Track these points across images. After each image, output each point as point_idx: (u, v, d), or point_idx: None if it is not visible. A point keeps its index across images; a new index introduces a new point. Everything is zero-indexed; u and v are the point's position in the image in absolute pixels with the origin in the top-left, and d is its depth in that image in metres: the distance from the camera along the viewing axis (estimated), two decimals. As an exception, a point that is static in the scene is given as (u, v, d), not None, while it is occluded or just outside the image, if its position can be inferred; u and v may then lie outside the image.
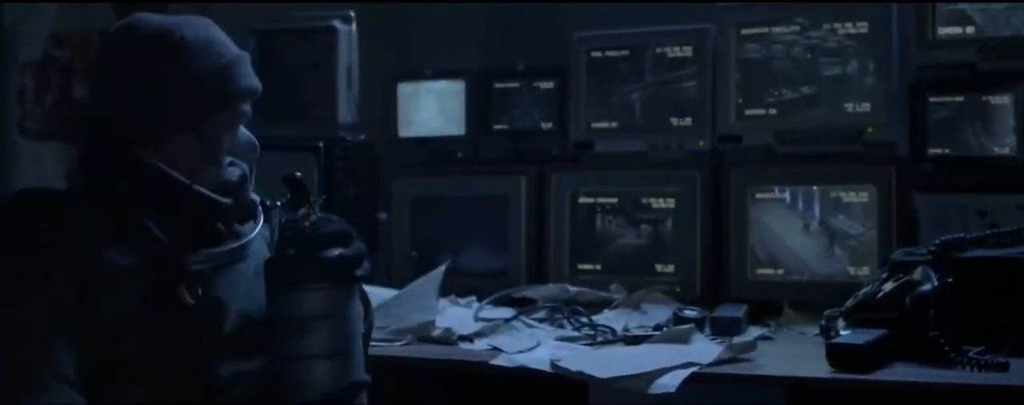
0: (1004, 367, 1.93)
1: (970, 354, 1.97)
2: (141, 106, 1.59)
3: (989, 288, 2.09)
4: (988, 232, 2.21)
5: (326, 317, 1.58)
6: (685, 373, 1.98)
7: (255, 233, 1.68)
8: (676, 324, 2.33)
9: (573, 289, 2.69)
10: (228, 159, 1.66)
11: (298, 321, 1.57)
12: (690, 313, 2.39)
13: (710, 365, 2.03)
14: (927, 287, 2.05)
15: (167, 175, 1.59)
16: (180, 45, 1.59)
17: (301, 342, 1.57)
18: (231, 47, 1.65)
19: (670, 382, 1.94)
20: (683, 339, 2.18)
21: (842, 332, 2.10)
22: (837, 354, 1.96)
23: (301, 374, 1.56)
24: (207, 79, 1.59)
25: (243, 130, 1.69)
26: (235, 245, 1.65)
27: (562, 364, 2.04)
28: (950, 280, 2.06)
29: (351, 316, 1.62)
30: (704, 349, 2.13)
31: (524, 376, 2.09)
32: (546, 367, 2.06)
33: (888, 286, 2.13)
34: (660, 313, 2.53)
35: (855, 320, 2.12)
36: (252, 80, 1.66)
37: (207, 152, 1.63)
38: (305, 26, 3.10)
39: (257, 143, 1.69)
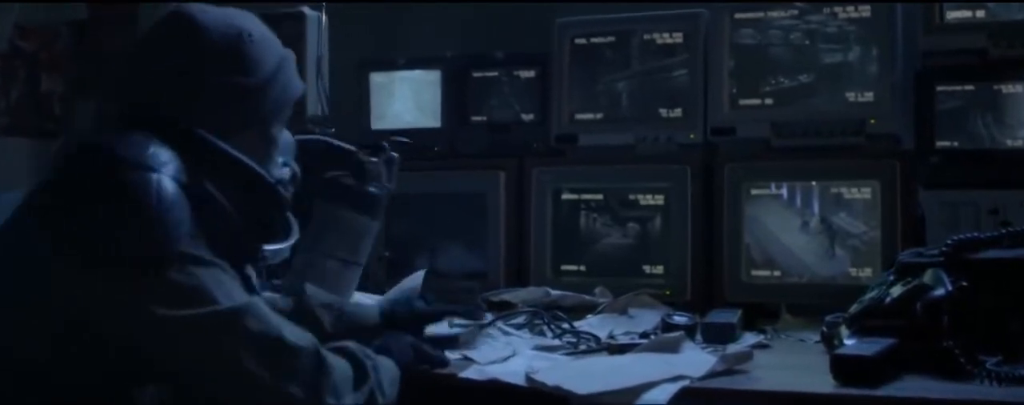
0: None
1: (988, 365, 1.84)
2: (214, 104, 1.61)
3: (1006, 293, 1.97)
4: (1003, 231, 2.09)
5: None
6: (674, 387, 1.83)
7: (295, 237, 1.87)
8: (664, 331, 2.21)
9: (555, 293, 2.59)
10: (282, 159, 1.76)
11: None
12: (680, 319, 2.27)
13: (702, 378, 1.88)
14: (940, 292, 1.92)
15: (248, 167, 1.61)
16: (249, 43, 1.62)
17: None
18: (279, 43, 1.71)
19: (658, 398, 1.80)
20: (672, 348, 2.04)
21: (846, 341, 1.99)
22: (842, 366, 1.82)
23: None
24: (273, 78, 1.64)
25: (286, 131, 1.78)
26: (291, 241, 1.85)
27: (538, 377, 1.89)
28: (965, 284, 1.93)
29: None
30: (695, 360, 1.99)
31: (500, 389, 1.94)
32: (521, 381, 1.90)
33: (896, 290, 2.00)
34: (648, 319, 2.42)
35: (860, 327, 2.00)
36: (298, 78, 1.74)
37: (267, 150, 1.69)
38: (271, 12, 2.94)
39: (295, 143, 1.81)
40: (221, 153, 1.59)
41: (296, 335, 1.54)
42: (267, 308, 1.54)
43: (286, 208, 1.72)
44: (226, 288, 1.50)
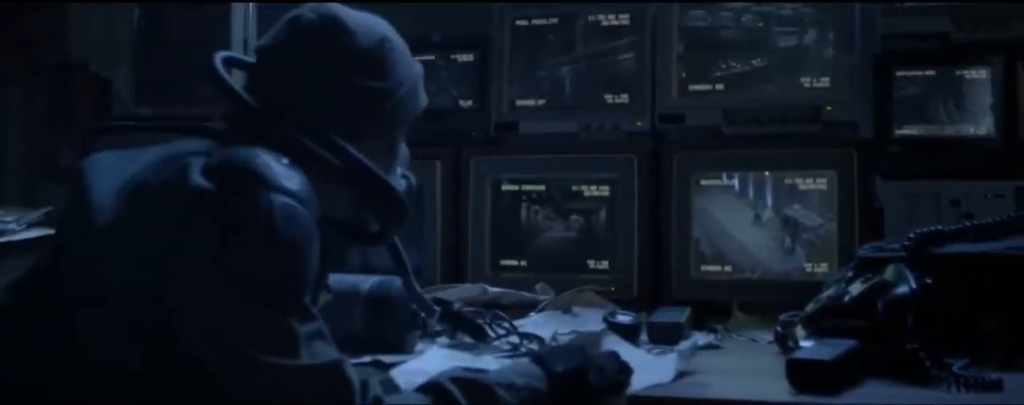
0: (997, 386, 1.71)
1: (954, 369, 1.76)
2: (349, 107, 1.62)
3: (973, 290, 1.92)
4: (968, 224, 2.06)
5: None
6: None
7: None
8: (608, 330, 2.10)
9: (493, 290, 2.48)
10: (401, 171, 1.77)
11: None
12: (624, 318, 2.18)
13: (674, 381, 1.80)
14: (903, 289, 1.84)
15: (375, 174, 1.61)
16: (389, 50, 1.65)
17: None
18: (411, 55, 1.73)
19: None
20: (593, 347, 1.91)
21: (802, 343, 1.89)
22: (799, 372, 1.72)
23: None
24: (405, 87, 1.67)
25: None
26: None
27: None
28: (929, 281, 1.87)
29: None
30: (653, 363, 1.88)
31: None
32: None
33: (856, 287, 1.93)
34: (593, 317, 2.33)
35: (818, 328, 1.91)
36: (424, 93, 1.77)
37: (390, 159, 1.71)
38: (200, -7, 3.00)
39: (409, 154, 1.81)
40: (350, 158, 1.59)
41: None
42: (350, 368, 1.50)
43: (406, 219, 1.70)
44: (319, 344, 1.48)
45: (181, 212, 1.44)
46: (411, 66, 1.70)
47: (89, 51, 3.36)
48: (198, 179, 1.44)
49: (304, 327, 1.43)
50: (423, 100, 1.75)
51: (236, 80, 1.63)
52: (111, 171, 1.53)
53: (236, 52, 1.76)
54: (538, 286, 2.55)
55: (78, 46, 3.40)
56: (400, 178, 1.76)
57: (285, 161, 1.48)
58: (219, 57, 1.64)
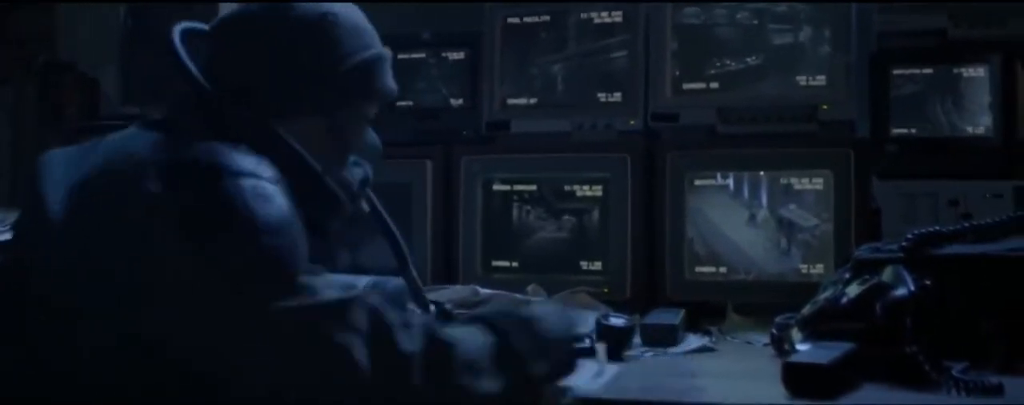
0: (998, 390, 1.68)
1: (954, 373, 1.73)
2: (278, 77, 1.60)
3: (972, 292, 1.89)
4: (967, 225, 2.03)
5: None
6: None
7: None
8: (599, 333, 2.06)
9: (484, 292, 2.46)
10: (353, 158, 1.72)
11: None
12: (617, 320, 2.13)
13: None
14: (902, 291, 1.81)
15: (300, 156, 1.57)
16: (331, 25, 1.62)
17: None
18: (379, 42, 1.71)
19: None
20: None
21: (799, 346, 1.88)
22: (796, 376, 1.69)
23: None
24: (352, 67, 1.63)
25: (371, 131, 1.76)
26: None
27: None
28: (928, 283, 1.84)
29: None
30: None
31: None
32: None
33: (853, 289, 1.90)
34: (586, 319, 2.24)
35: (814, 331, 1.90)
36: (392, 81, 1.72)
37: (336, 146, 1.67)
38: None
39: (381, 146, 1.79)
40: (278, 142, 1.55)
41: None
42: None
43: (341, 213, 1.67)
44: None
45: (147, 218, 1.39)
46: (362, 44, 1.66)
47: (78, 50, 3.35)
48: (156, 185, 1.41)
49: (313, 300, 1.39)
50: (386, 84, 1.71)
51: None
52: (64, 169, 1.51)
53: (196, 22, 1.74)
54: (530, 288, 2.53)
55: (67, 45, 3.40)
56: (352, 166, 1.72)
57: (243, 148, 1.46)
58: (178, 29, 1.63)
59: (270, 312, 1.36)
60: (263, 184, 1.41)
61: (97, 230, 1.43)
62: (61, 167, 1.52)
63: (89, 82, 3.29)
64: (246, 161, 1.43)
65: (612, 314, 2.18)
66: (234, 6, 1.67)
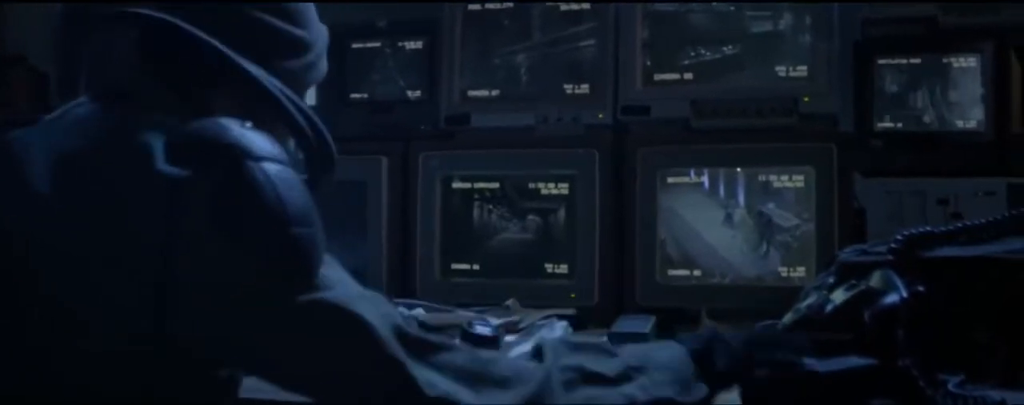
0: None
1: (950, 387, 1.67)
2: (275, 53, 1.55)
3: (968, 299, 1.82)
4: (959, 225, 1.94)
5: None
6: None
7: None
8: (463, 341, 1.99)
9: (416, 310, 2.43)
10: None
11: None
12: (483, 329, 2.09)
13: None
14: (893, 298, 1.73)
15: (305, 112, 1.55)
16: (307, 6, 1.61)
17: None
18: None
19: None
20: None
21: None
22: (776, 389, 1.65)
23: None
24: (321, 47, 1.64)
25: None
26: None
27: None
28: (921, 289, 1.76)
29: None
30: None
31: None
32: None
33: (838, 296, 1.82)
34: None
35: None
36: (325, 62, 1.72)
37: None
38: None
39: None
40: (299, 107, 1.53)
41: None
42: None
43: (334, 171, 1.67)
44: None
45: (161, 204, 1.36)
46: (321, 26, 1.67)
47: (26, 44, 3.35)
48: (168, 166, 1.37)
49: (337, 294, 1.38)
50: (325, 68, 1.72)
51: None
52: (39, 144, 1.47)
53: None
54: (508, 302, 2.50)
55: (15, 39, 3.40)
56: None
57: (249, 124, 1.42)
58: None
59: (300, 303, 1.36)
60: (286, 169, 1.39)
61: (102, 209, 1.40)
62: (35, 143, 1.48)
63: (38, 76, 3.30)
64: (260, 141, 1.39)
65: (478, 321, 2.15)
66: None
